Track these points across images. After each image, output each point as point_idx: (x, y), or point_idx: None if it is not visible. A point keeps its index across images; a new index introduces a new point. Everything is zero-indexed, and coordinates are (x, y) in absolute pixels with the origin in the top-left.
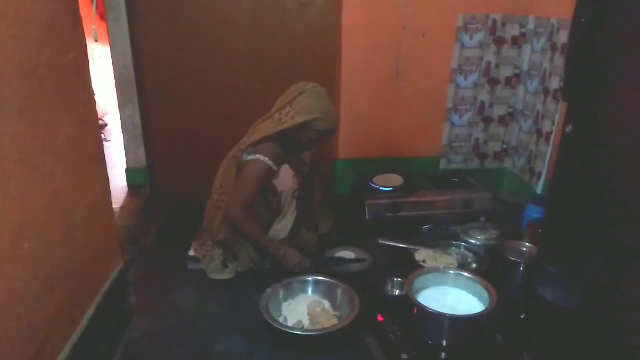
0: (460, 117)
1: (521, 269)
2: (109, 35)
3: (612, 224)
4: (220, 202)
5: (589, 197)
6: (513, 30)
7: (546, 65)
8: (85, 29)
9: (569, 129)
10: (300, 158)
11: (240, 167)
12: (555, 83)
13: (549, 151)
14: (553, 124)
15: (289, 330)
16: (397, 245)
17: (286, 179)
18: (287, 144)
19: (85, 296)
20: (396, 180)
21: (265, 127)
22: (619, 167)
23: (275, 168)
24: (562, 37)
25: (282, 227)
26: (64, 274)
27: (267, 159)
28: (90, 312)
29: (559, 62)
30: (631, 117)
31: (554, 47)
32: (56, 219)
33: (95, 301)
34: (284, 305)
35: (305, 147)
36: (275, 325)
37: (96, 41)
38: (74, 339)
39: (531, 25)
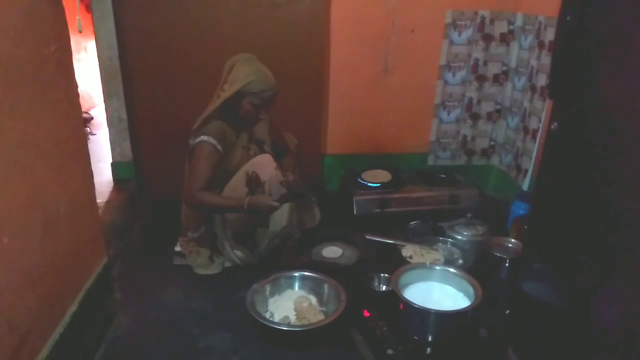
0: (448, 114)
1: (506, 264)
2: (94, 27)
3: (596, 221)
4: None
5: (573, 194)
6: (501, 27)
7: (533, 62)
8: (69, 20)
9: (554, 126)
10: (254, 135)
11: (190, 154)
12: (542, 80)
13: (535, 148)
14: (540, 121)
15: (275, 326)
16: (384, 240)
17: (268, 169)
18: (233, 118)
19: (67, 292)
20: (384, 176)
21: (207, 109)
22: (603, 165)
23: (218, 146)
24: (550, 35)
25: (278, 216)
26: (46, 269)
27: (210, 137)
28: (72, 308)
29: (546, 59)
30: (615, 114)
31: (541, 45)
32: (37, 213)
33: (78, 297)
34: (271, 301)
35: (251, 115)
36: (261, 320)
37: (80, 32)
38: (55, 335)
39: (519, 22)
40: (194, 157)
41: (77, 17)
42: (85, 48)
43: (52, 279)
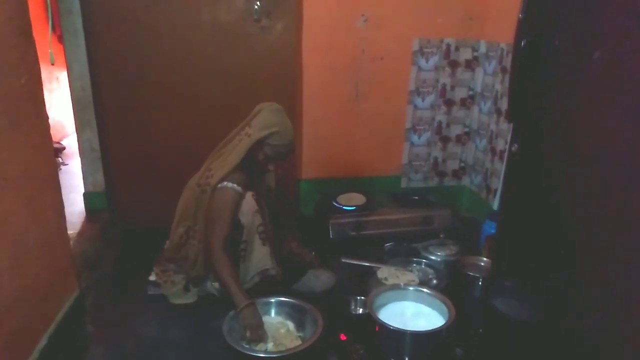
0: (419, 137)
1: (479, 283)
2: (65, 57)
3: (556, 237)
4: (195, 239)
5: (534, 212)
6: (466, 54)
7: (498, 86)
8: (40, 52)
9: (514, 147)
10: (264, 182)
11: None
12: (506, 104)
13: (503, 169)
14: (506, 142)
15: (252, 353)
16: (360, 263)
17: (248, 213)
18: (250, 166)
19: (36, 326)
20: (359, 199)
21: (229, 156)
22: (560, 183)
23: (242, 192)
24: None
25: (259, 257)
26: (14, 304)
27: (234, 184)
28: (42, 343)
29: None
30: (568, 135)
31: (504, 70)
32: (5, 245)
33: (48, 331)
34: None
35: (263, 166)
36: (237, 348)
37: (52, 64)
38: None
39: (482, 49)
40: (217, 204)
41: (49, 50)
42: (57, 78)
43: (20, 313)
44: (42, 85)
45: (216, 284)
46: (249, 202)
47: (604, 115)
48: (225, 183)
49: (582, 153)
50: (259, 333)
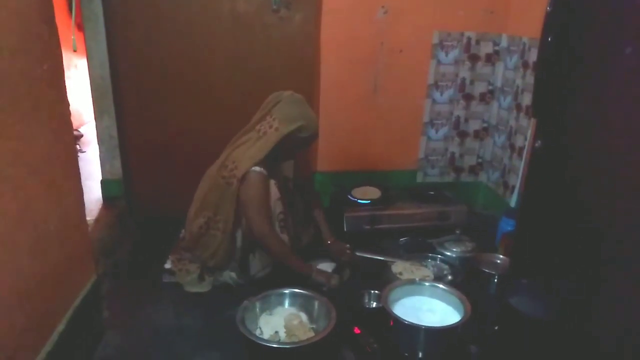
0: (437, 132)
1: (495, 280)
2: (85, 45)
3: (580, 236)
4: (217, 230)
5: (557, 210)
6: (486, 48)
7: (518, 82)
8: (63, 40)
9: (538, 143)
10: (282, 172)
11: (236, 189)
12: (527, 99)
13: (521, 165)
14: (525, 139)
15: (264, 343)
16: (374, 257)
17: (271, 200)
18: (271, 156)
19: (56, 310)
20: (374, 193)
21: (252, 147)
22: (585, 181)
23: (268, 176)
24: (533, 55)
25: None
26: (34, 287)
27: (261, 168)
28: (61, 327)
29: (531, 79)
30: (596, 131)
31: (525, 65)
32: (27, 230)
33: (67, 315)
34: (261, 318)
35: (288, 156)
36: (250, 338)
37: (75, 51)
38: (42, 354)
39: (504, 43)
40: (254, 188)
41: (72, 37)
42: (76, 65)
43: (40, 297)
44: (63, 72)
45: (233, 274)
46: (272, 189)
47: (634, 113)
48: (253, 168)
49: (609, 150)
50: (334, 282)
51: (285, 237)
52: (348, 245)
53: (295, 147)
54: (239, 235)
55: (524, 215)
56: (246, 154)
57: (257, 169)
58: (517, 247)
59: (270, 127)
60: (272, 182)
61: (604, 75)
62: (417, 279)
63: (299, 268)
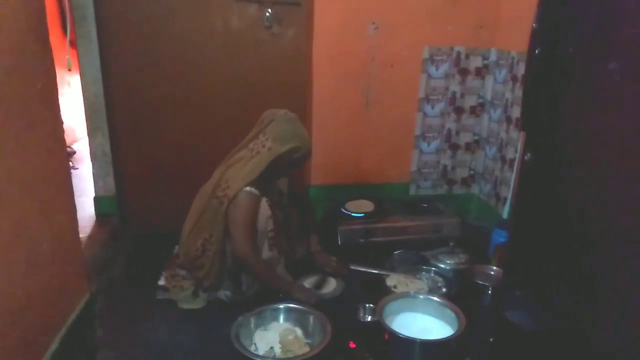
0: (429, 144)
1: (489, 292)
2: (79, 63)
3: (571, 246)
4: (211, 251)
5: (548, 221)
6: (476, 62)
7: (508, 95)
8: (56, 57)
9: (527, 156)
10: (276, 188)
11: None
12: (516, 112)
13: (512, 177)
14: (516, 150)
15: (259, 359)
16: (369, 270)
17: (262, 219)
18: (264, 175)
19: (48, 329)
20: (367, 206)
21: (245, 166)
22: (574, 192)
23: (260, 197)
24: (522, 69)
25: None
26: (27, 307)
27: (252, 188)
28: (54, 346)
29: (519, 92)
30: (583, 143)
31: (514, 78)
32: (20, 248)
33: (60, 334)
34: (256, 334)
35: (282, 175)
36: (245, 354)
37: (69, 70)
38: None
39: (493, 57)
40: (242, 208)
41: (67, 57)
42: (69, 82)
43: (33, 316)
44: (57, 90)
45: (228, 292)
46: (263, 207)
47: (619, 125)
48: (247, 188)
49: (598, 162)
50: (314, 299)
51: (274, 253)
52: (334, 258)
53: (289, 166)
54: (229, 253)
55: (515, 226)
56: (239, 174)
57: (248, 189)
58: (510, 259)
59: (264, 146)
60: (264, 200)
61: (589, 88)
62: (411, 292)
63: (278, 285)
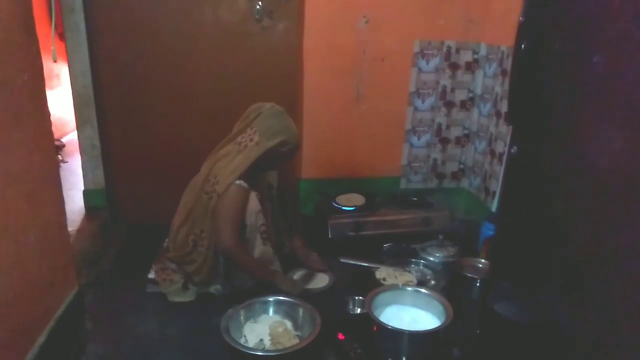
0: (419, 138)
1: (477, 284)
2: (67, 55)
3: (556, 239)
4: (202, 246)
5: (534, 214)
6: (466, 56)
7: (497, 89)
8: (43, 49)
9: (513, 149)
10: (266, 181)
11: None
12: (506, 106)
13: (501, 171)
14: (505, 145)
15: (249, 352)
16: (358, 263)
17: (252, 213)
18: (253, 168)
19: (36, 322)
20: (358, 199)
21: (233, 160)
22: (560, 185)
23: (249, 190)
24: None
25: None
26: (15, 299)
27: (241, 181)
28: (41, 339)
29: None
30: (568, 137)
31: (504, 73)
32: (7, 241)
33: (48, 327)
34: (246, 326)
35: (270, 168)
36: (235, 346)
37: (55, 62)
38: None
39: (483, 52)
40: (226, 202)
41: (52, 47)
42: (58, 75)
43: (21, 309)
44: (44, 82)
45: (218, 286)
46: (253, 201)
47: (603, 119)
48: (237, 181)
49: (582, 156)
50: (298, 288)
51: (268, 248)
52: (316, 253)
53: (277, 160)
54: None
55: (502, 219)
56: (227, 169)
57: (238, 182)
58: (497, 251)
59: (251, 140)
60: (254, 194)
61: (574, 82)
62: (400, 284)
63: (264, 277)
